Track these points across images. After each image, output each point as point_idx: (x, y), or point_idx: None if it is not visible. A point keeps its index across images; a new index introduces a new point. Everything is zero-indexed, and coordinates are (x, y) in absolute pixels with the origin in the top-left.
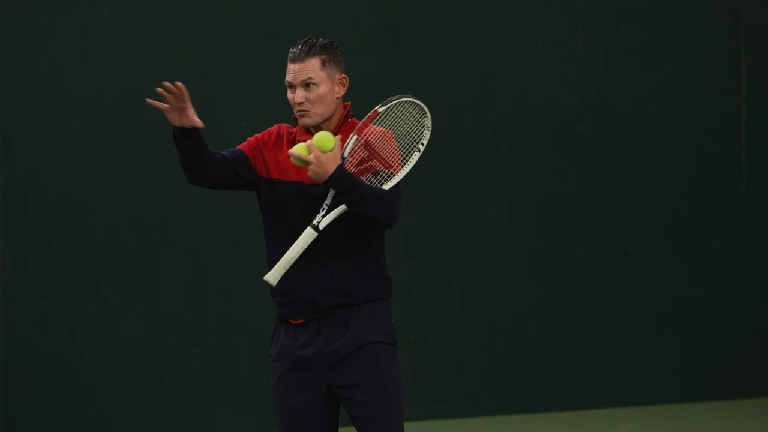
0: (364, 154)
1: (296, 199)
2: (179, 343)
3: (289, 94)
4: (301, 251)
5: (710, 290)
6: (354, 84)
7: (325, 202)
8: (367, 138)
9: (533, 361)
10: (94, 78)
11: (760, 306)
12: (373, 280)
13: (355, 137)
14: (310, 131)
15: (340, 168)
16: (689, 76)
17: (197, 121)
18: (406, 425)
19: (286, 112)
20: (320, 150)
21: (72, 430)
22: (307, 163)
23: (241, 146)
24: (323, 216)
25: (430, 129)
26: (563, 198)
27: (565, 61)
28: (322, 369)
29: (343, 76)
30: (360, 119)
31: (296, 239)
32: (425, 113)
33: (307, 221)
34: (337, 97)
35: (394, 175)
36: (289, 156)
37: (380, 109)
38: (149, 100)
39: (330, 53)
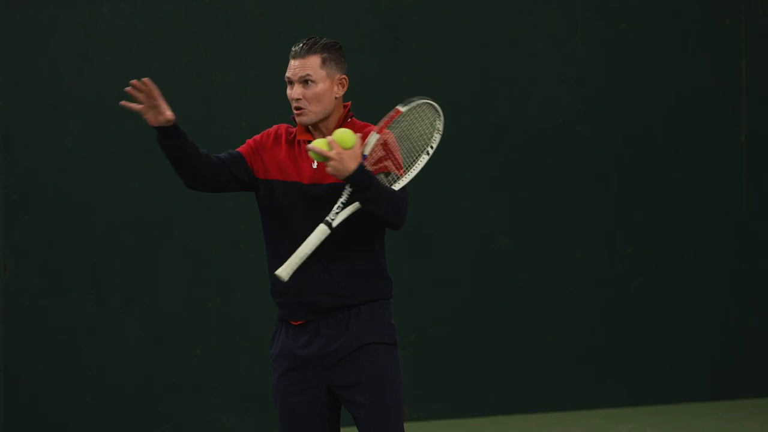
0: (381, 153)
1: (295, 199)
2: (179, 343)
3: (288, 91)
4: (314, 248)
5: (710, 290)
6: (354, 84)
7: (341, 199)
8: (386, 137)
9: (533, 361)
10: (94, 78)
11: (760, 306)
12: (373, 281)
13: (377, 136)
14: (308, 130)
15: (361, 166)
16: (689, 76)
17: (168, 115)
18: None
19: (286, 112)
20: (341, 146)
21: (72, 430)
22: (326, 158)
23: (239, 148)
24: (337, 213)
25: (441, 133)
26: (563, 198)
27: (565, 61)
28: (322, 369)
29: (343, 76)
30: (360, 119)
31: (295, 242)
32: (439, 116)
33: (306, 222)
34: (336, 97)
35: (401, 177)
36: (308, 150)
37: (402, 109)
38: (123, 103)
39: (332, 53)
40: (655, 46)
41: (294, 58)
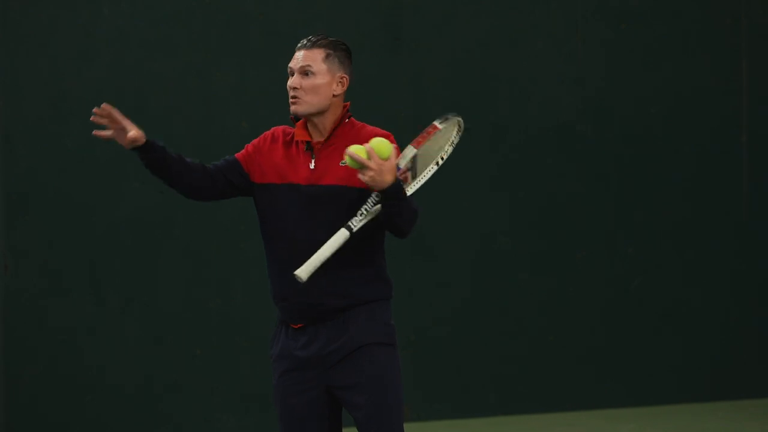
0: (408, 165)
1: (292, 201)
2: (179, 343)
3: (288, 81)
4: (334, 251)
5: (710, 290)
6: (354, 84)
7: (365, 206)
8: (418, 152)
9: (533, 361)
10: (94, 78)
11: (760, 306)
12: (373, 282)
13: (414, 150)
14: (307, 130)
15: (398, 180)
16: (689, 76)
17: (131, 135)
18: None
19: (286, 112)
20: (379, 156)
21: (72, 430)
22: (362, 166)
23: (237, 154)
24: (360, 220)
25: (454, 146)
26: (563, 198)
27: (565, 61)
28: (322, 369)
29: (344, 75)
30: (360, 119)
31: (293, 244)
32: (460, 131)
33: (304, 224)
34: (334, 95)
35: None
36: (345, 154)
37: (440, 126)
38: (95, 132)
39: (337, 50)
40: (655, 46)
41: (299, 49)
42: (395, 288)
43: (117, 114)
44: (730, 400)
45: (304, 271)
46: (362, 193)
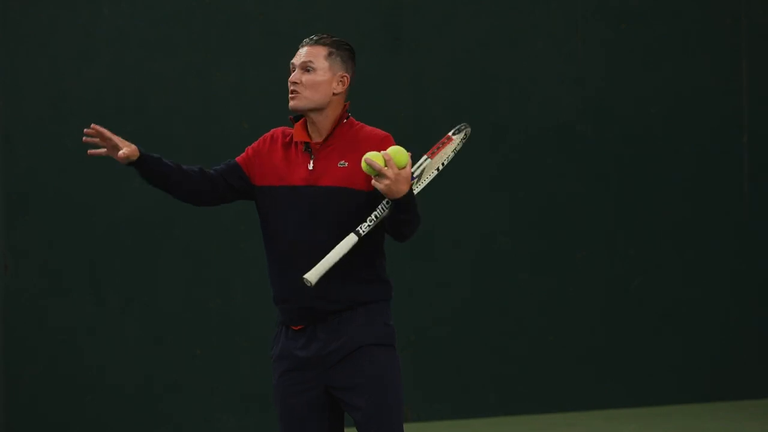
0: (417, 173)
1: (291, 202)
2: (179, 343)
3: (290, 77)
4: (342, 254)
5: (710, 290)
6: (354, 84)
7: (375, 213)
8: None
9: (533, 361)
10: (94, 78)
11: (760, 306)
12: (372, 283)
13: (430, 161)
14: (306, 130)
15: (411, 190)
16: (689, 76)
17: (123, 152)
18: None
19: (286, 112)
20: (396, 164)
21: (72, 430)
22: (377, 173)
23: (237, 158)
24: (369, 226)
25: (456, 152)
26: (563, 198)
27: (565, 61)
28: (322, 370)
29: (345, 74)
30: (360, 119)
31: (293, 246)
32: (465, 140)
33: (303, 225)
34: (334, 93)
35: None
36: (363, 160)
37: (454, 137)
38: (90, 151)
39: (340, 49)
40: (655, 46)
41: (303, 46)
42: (395, 288)
43: (107, 133)
44: (730, 400)
45: (313, 276)
46: (360, 193)
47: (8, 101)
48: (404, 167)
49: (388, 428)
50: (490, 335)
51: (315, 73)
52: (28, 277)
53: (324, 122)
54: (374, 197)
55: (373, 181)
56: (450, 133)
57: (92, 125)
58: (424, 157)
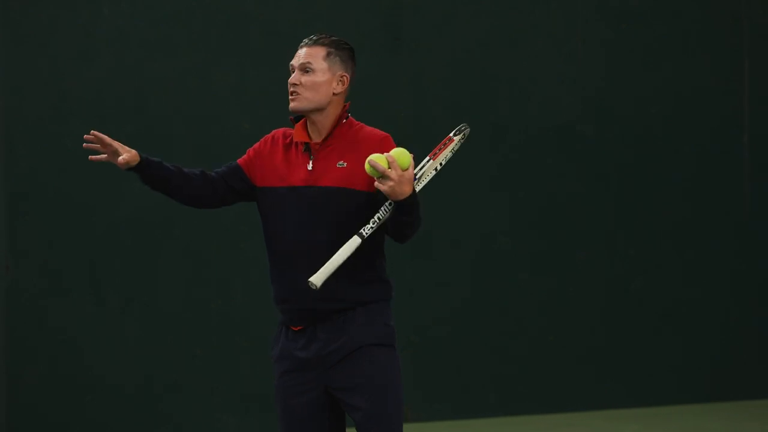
0: (419, 175)
1: (292, 203)
2: (179, 343)
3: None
4: (346, 257)
5: (710, 290)
6: (354, 84)
7: (378, 215)
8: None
9: (533, 361)
10: (94, 78)
11: (760, 306)
12: (372, 284)
13: (432, 162)
14: (306, 130)
15: (415, 191)
16: (689, 76)
17: (123, 158)
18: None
19: (286, 112)
20: (399, 165)
21: (72, 430)
22: (382, 175)
23: (239, 159)
24: (372, 228)
25: (454, 153)
26: (563, 198)
27: (565, 61)
28: (322, 370)
29: (345, 74)
30: (360, 120)
31: (294, 246)
32: (464, 140)
33: (304, 225)
34: (334, 93)
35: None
36: (366, 162)
37: (455, 138)
38: (91, 157)
39: (339, 49)
40: (655, 46)
41: (302, 47)
42: (396, 288)
43: (107, 139)
44: (730, 400)
45: (318, 279)
46: (360, 194)
47: (8, 101)
48: (407, 168)
49: (387, 428)
50: (490, 335)
51: (314, 73)
52: (28, 277)
53: (324, 122)
54: (374, 197)
55: (376, 183)
56: (451, 134)
57: (92, 132)
58: (427, 158)
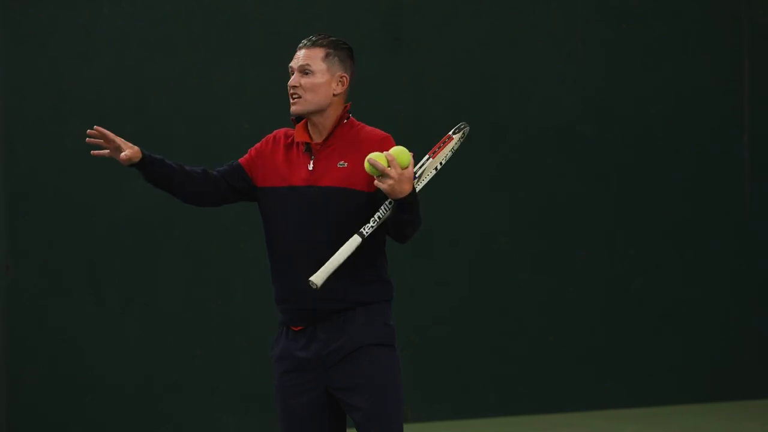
0: (419, 173)
1: (293, 203)
2: (179, 343)
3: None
4: (347, 256)
5: (710, 290)
6: (354, 84)
7: (378, 213)
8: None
9: (533, 361)
10: (94, 78)
11: (760, 306)
12: (373, 284)
13: (431, 160)
14: (307, 130)
15: (414, 190)
16: (689, 76)
17: (126, 154)
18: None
19: (286, 112)
20: (399, 164)
21: (72, 430)
22: (382, 173)
23: (240, 159)
24: (373, 227)
25: (454, 152)
26: (563, 198)
27: (565, 61)
28: (322, 370)
29: (344, 75)
30: (360, 120)
31: (295, 246)
32: (463, 139)
33: (304, 225)
34: (334, 94)
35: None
36: (366, 161)
37: (454, 137)
38: (93, 152)
39: (337, 50)
40: (655, 46)
41: (300, 48)
42: (396, 288)
43: (110, 135)
44: (730, 400)
45: (318, 278)
46: (360, 194)
47: (8, 101)
48: (407, 167)
49: (387, 428)
50: (490, 335)
51: (314, 75)
52: (28, 277)
53: (325, 123)
54: (374, 197)
55: (376, 182)
56: (450, 133)
57: (95, 127)
58: (426, 156)
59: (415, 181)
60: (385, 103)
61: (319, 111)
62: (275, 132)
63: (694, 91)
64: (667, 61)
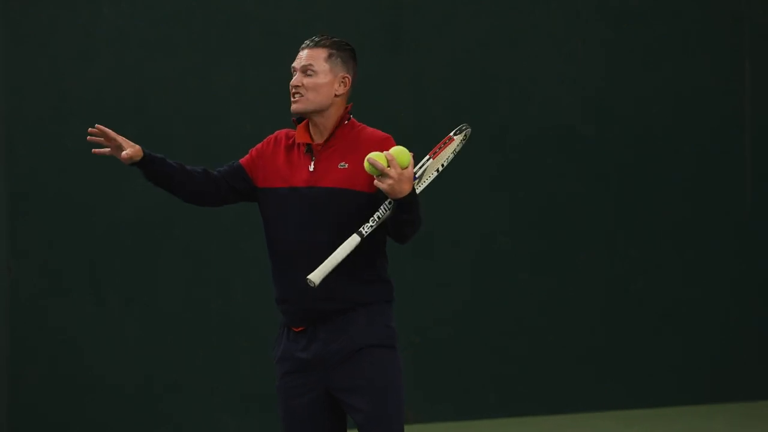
0: (419, 173)
1: (293, 203)
2: (179, 343)
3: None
4: (345, 255)
5: (710, 290)
6: (356, 84)
7: (377, 213)
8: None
9: (533, 361)
10: (94, 78)
11: (760, 306)
12: (372, 285)
13: (432, 161)
14: (308, 131)
15: (414, 190)
16: (689, 76)
17: (127, 153)
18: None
19: (286, 112)
20: (398, 164)
21: (72, 430)
22: (381, 173)
23: (241, 159)
24: (372, 227)
25: (456, 154)
26: (563, 198)
27: (565, 61)
28: (323, 371)
29: (346, 75)
30: (360, 120)
31: (296, 247)
32: (465, 141)
33: (305, 226)
34: (336, 95)
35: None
36: (366, 160)
37: (455, 138)
38: (94, 150)
39: (340, 50)
40: (655, 46)
41: (303, 49)
42: (397, 289)
43: (112, 133)
44: (730, 400)
45: (316, 276)
46: (361, 195)
47: (8, 101)
48: (407, 167)
49: (388, 430)
50: (490, 335)
51: (316, 76)
52: (28, 277)
53: (326, 124)
54: (375, 198)
55: (375, 181)
56: (451, 134)
57: (96, 125)
58: (427, 157)
59: (416, 182)
60: (385, 103)
61: (321, 111)
62: (276, 133)
63: (694, 91)
64: (667, 61)
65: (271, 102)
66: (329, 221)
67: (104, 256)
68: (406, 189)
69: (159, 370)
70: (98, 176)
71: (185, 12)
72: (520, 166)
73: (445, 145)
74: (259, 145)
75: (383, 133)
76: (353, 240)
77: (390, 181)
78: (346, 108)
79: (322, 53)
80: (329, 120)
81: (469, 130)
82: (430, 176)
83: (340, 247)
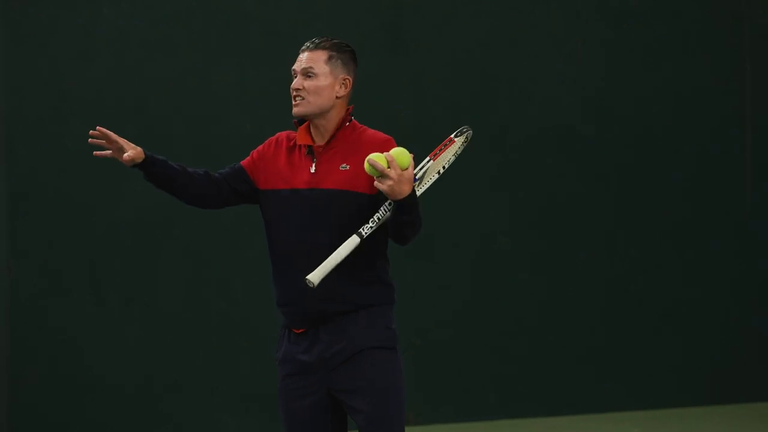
0: (420, 175)
1: (295, 205)
2: (179, 343)
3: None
4: (345, 256)
5: (710, 290)
6: (356, 86)
7: (377, 214)
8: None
9: (533, 361)
10: (94, 78)
11: (760, 306)
12: (372, 287)
13: (432, 162)
14: (309, 133)
15: (414, 191)
16: (690, 76)
17: (129, 155)
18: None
19: (286, 112)
20: (398, 165)
21: (72, 430)
22: (381, 174)
23: (243, 161)
24: (371, 228)
25: (457, 156)
26: (563, 198)
27: (565, 61)
28: (324, 373)
29: (347, 77)
30: (360, 120)
31: (297, 248)
32: (467, 143)
33: (306, 228)
34: (337, 97)
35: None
36: (366, 161)
37: (456, 140)
38: (96, 153)
39: (340, 52)
40: (655, 46)
41: (302, 51)
42: (398, 291)
43: (113, 135)
44: (729, 401)
45: (315, 277)
46: (362, 196)
47: (8, 101)
48: (407, 168)
49: (389, 431)
50: (490, 336)
51: (317, 78)
52: (28, 277)
53: (327, 125)
54: (376, 200)
55: (375, 182)
56: (452, 135)
57: (98, 127)
58: (427, 158)
59: (417, 183)
60: (385, 104)
61: (322, 113)
62: (277, 134)
63: (694, 91)
64: (667, 61)
65: (271, 102)
66: (330, 223)
67: (104, 256)
68: (406, 190)
69: (159, 370)
70: (98, 176)
71: (185, 12)
72: (520, 166)
73: (446, 146)
74: (260, 147)
75: (385, 135)
76: (353, 241)
77: (390, 182)
78: (348, 110)
79: (322, 55)
80: (330, 122)
81: (471, 132)
82: (431, 178)
83: (340, 247)
